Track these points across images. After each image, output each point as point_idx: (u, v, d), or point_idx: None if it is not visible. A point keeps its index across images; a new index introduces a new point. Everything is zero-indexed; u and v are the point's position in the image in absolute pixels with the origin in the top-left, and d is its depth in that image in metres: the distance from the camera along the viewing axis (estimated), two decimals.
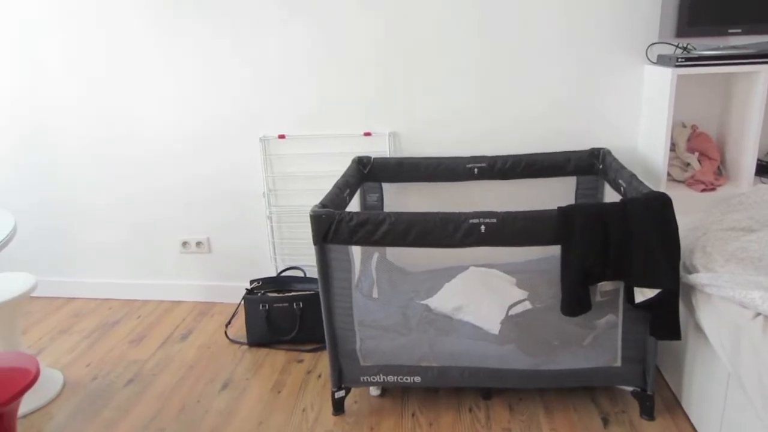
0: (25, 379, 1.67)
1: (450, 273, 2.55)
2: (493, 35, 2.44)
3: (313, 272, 2.83)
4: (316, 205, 1.85)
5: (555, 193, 2.56)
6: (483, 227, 1.71)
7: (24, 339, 2.80)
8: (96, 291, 3.19)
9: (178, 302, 3.10)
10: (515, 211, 1.70)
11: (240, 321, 2.83)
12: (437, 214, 1.73)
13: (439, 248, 1.77)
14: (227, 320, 2.86)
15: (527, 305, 2.14)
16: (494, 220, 1.70)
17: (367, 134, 2.67)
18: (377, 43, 2.53)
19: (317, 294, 2.53)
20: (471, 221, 1.71)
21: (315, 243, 1.83)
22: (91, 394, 2.34)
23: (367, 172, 2.59)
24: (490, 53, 2.47)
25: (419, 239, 1.75)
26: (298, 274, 2.80)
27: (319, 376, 2.37)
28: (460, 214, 1.72)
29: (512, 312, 2.10)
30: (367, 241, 1.79)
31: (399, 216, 1.75)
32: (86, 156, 2.94)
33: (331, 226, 1.79)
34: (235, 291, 3.02)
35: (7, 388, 1.62)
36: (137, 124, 2.84)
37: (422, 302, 2.35)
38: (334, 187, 2.13)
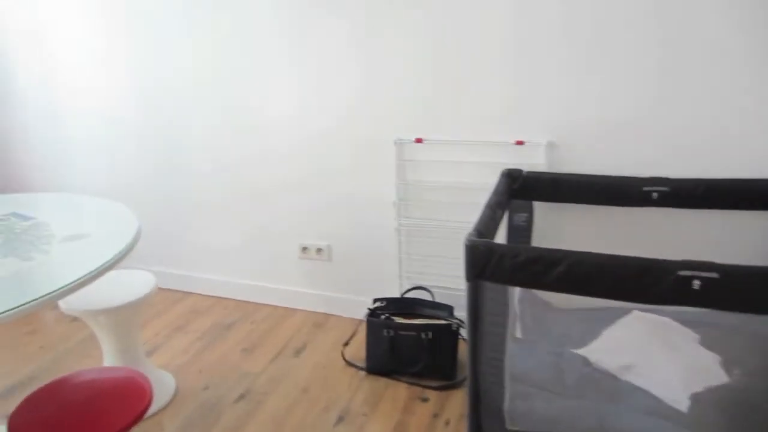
0: (141, 403, 1.49)
1: (607, 315, 2.13)
2: (683, 21, 1.97)
3: (442, 296, 2.51)
4: (470, 233, 1.52)
5: (766, 232, 2.05)
6: (697, 283, 1.29)
7: (142, 334, 2.72)
8: (213, 288, 3.08)
9: (294, 310, 2.91)
10: (748, 267, 1.27)
11: (358, 341, 2.57)
12: (633, 259, 1.34)
13: (630, 302, 1.38)
14: (345, 339, 2.61)
15: (722, 376, 1.68)
16: (715, 275, 1.28)
17: (519, 143, 2.30)
18: (527, 30, 2.14)
19: (449, 326, 2.21)
20: (680, 273, 1.30)
21: (468, 279, 1.50)
22: (201, 406, 2.18)
23: (517, 188, 2.22)
24: (678, 44, 1.99)
25: (605, 289, 1.37)
26: (425, 295, 2.49)
27: (447, 422, 2.05)
28: (664, 262, 1.31)
29: (704, 385, 1.65)
30: (535, 283, 1.43)
31: (581, 258, 1.37)
32: (210, 153, 2.81)
33: (489, 261, 1.45)
34: (353, 305, 2.77)
35: (124, 414, 1.44)
36: (262, 122, 2.66)
37: (578, 352, 1.95)
38: (486, 207, 1.78)
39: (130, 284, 2.18)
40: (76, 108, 3.03)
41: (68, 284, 1.38)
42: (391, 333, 2.25)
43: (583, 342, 1.99)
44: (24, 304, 1.27)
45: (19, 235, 1.70)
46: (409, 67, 2.35)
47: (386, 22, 2.32)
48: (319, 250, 2.78)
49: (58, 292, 1.35)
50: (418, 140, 2.44)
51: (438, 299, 2.47)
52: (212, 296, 3.09)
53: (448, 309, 2.35)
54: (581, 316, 2.21)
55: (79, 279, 1.40)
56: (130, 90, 2.87)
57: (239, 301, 3.02)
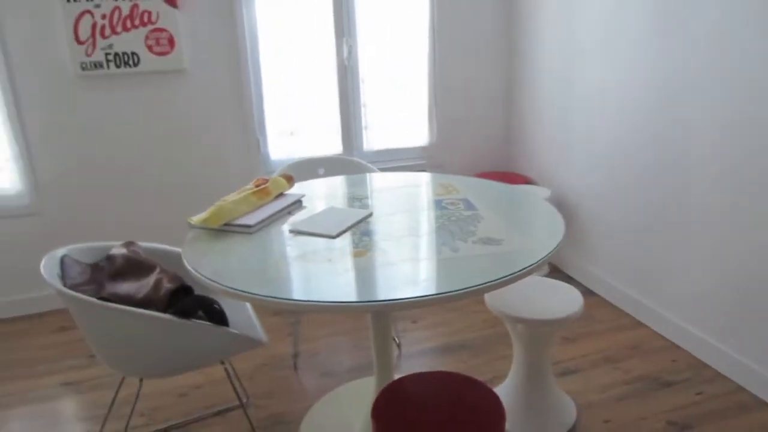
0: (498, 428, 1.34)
1: None
2: None
3: None
4: None
5: None
6: None
7: (570, 348, 2.52)
8: (668, 330, 2.56)
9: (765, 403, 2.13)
10: None
11: None
12: None
13: None
14: None
15: None
16: None
17: None
18: None
19: None
20: None
21: None
22: None
23: None
24: None
25: None
26: None
27: None
28: None
29: None
30: None
31: None
32: (719, 161, 2.24)
33: None
34: None
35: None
36: None
37: None
38: None
39: (556, 298, 1.99)
40: (585, 98, 2.92)
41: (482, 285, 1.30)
42: None
43: None
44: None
45: (448, 224, 1.74)
46: None
47: None
48: None
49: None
50: None
51: None
52: (665, 338, 2.58)
53: None
54: None
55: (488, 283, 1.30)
56: (646, 83, 2.54)
57: (696, 358, 2.42)
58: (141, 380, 1.67)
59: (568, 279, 3.22)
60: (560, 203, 3.27)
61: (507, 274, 1.36)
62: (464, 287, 1.31)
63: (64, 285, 1.63)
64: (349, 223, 1.74)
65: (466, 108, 3.59)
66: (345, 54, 3.30)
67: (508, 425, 2.03)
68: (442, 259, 1.47)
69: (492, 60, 3.55)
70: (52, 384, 2.43)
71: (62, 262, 1.70)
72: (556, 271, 3.33)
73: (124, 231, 3.16)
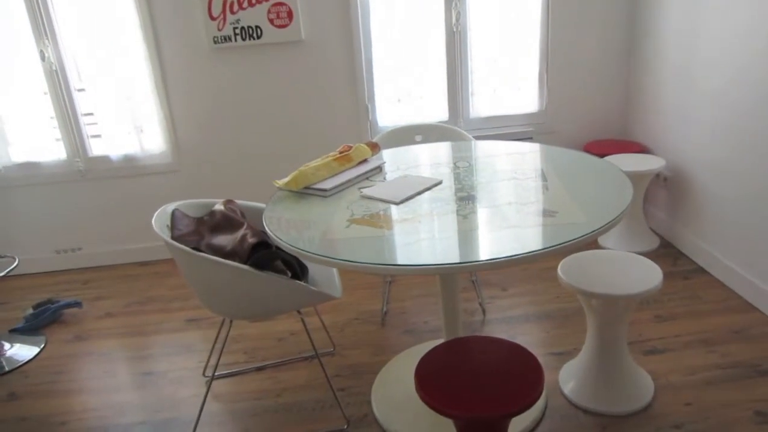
0: (534, 388, 1.40)
1: None
2: None
3: None
4: None
5: None
6: None
7: (668, 326, 2.41)
8: None
9: None
10: None
11: None
12: None
13: None
14: None
15: None
16: None
17: None
18: None
19: None
20: None
21: None
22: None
23: None
24: None
25: None
26: None
27: None
28: None
29: None
30: None
31: None
32: None
33: None
34: None
35: (515, 397, 1.39)
36: None
37: None
38: None
39: (634, 274, 1.92)
40: (708, 58, 2.67)
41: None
42: None
43: None
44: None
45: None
46: None
47: None
48: None
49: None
50: None
51: None
52: None
53: None
54: None
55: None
56: None
57: None
58: (231, 321, 1.93)
59: (679, 255, 3.01)
60: (676, 174, 3.04)
61: (543, 247, 1.38)
62: (494, 257, 1.35)
63: (172, 235, 1.92)
64: (415, 191, 1.83)
65: (580, 71, 3.43)
66: (453, 20, 3.31)
67: (577, 398, 2.03)
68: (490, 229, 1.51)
69: (609, 20, 3.34)
70: (180, 318, 2.84)
71: (173, 215, 2.00)
72: (667, 245, 3.14)
73: (245, 188, 3.52)
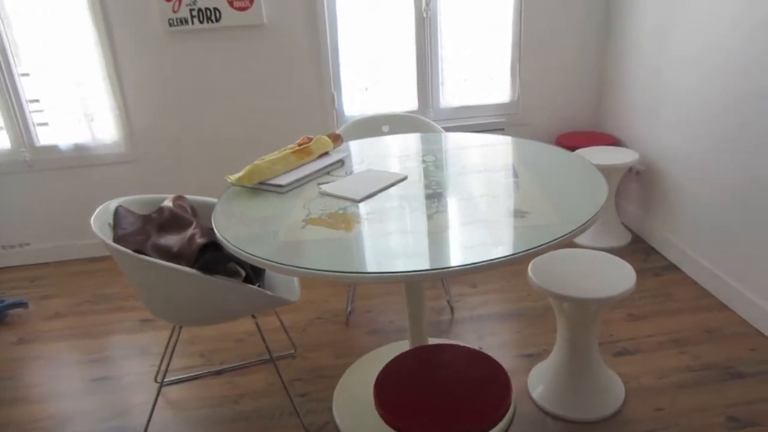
0: (500, 404, 1.30)
1: None
2: None
3: None
4: None
5: None
6: None
7: (643, 326, 2.35)
8: (755, 314, 2.29)
9: None
10: None
11: None
12: None
13: None
14: None
15: None
16: None
17: None
18: None
19: None
20: None
21: None
22: None
23: None
24: None
25: None
26: None
27: None
28: None
29: None
30: None
31: None
32: None
33: None
34: None
35: (487, 408, 1.29)
36: None
37: None
38: None
39: (607, 274, 1.84)
40: (680, 54, 2.60)
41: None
42: None
43: None
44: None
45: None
46: None
47: None
48: None
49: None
50: None
51: None
52: (750, 325, 2.31)
53: None
54: None
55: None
56: (749, 37, 2.21)
57: None
58: (180, 327, 1.79)
59: (651, 250, 2.96)
60: (648, 167, 2.98)
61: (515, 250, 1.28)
62: (460, 264, 1.24)
63: (115, 235, 1.77)
64: (378, 188, 1.71)
65: (553, 62, 3.34)
66: (423, 5, 3.18)
67: (545, 403, 1.95)
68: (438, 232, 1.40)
69: (584, 10, 3.25)
70: (134, 318, 2.68)
71: (116, 212, 1.84)
72: (638, 241, 3.08)
73: (203, 179, 3.35)
